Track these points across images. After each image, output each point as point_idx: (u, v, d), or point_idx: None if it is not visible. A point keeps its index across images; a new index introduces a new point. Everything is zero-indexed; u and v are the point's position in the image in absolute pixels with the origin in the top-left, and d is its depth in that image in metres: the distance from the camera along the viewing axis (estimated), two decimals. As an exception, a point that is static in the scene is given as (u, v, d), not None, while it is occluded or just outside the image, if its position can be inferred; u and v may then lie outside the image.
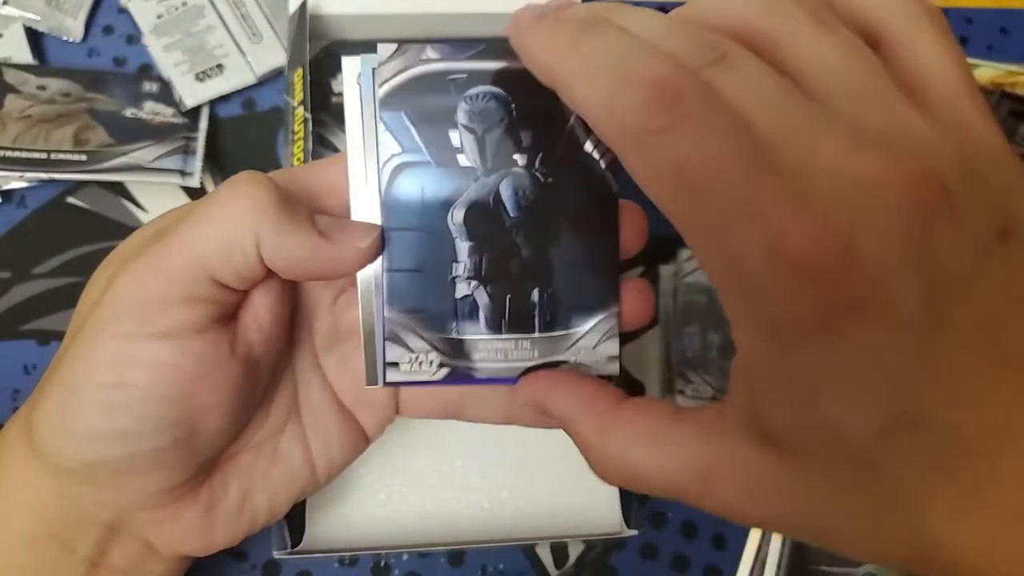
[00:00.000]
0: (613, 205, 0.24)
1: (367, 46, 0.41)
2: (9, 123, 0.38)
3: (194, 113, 0.41)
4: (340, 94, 0.40)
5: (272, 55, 0.42)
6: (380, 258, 0.24)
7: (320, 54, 0.39)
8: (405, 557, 0.36)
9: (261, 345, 0.25)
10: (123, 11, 0.42)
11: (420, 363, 0.24)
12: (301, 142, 0.36)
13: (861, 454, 0.17)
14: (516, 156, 0.24)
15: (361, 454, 0.30)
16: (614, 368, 0.25)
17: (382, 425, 0.30)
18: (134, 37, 0.42)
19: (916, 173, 0.16)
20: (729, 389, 0.20)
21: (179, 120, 0.41)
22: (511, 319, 0.24)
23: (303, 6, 0.38)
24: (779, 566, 0.36)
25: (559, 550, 0.37)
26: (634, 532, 0.34)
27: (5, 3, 0.41)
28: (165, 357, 0.23)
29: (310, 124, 0.36)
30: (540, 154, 0.24)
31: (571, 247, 0.24)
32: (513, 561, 0.36)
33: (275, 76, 0.42)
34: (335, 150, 0.39)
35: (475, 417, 0.29)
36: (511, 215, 0.24)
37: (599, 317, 0.25)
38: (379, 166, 0.24)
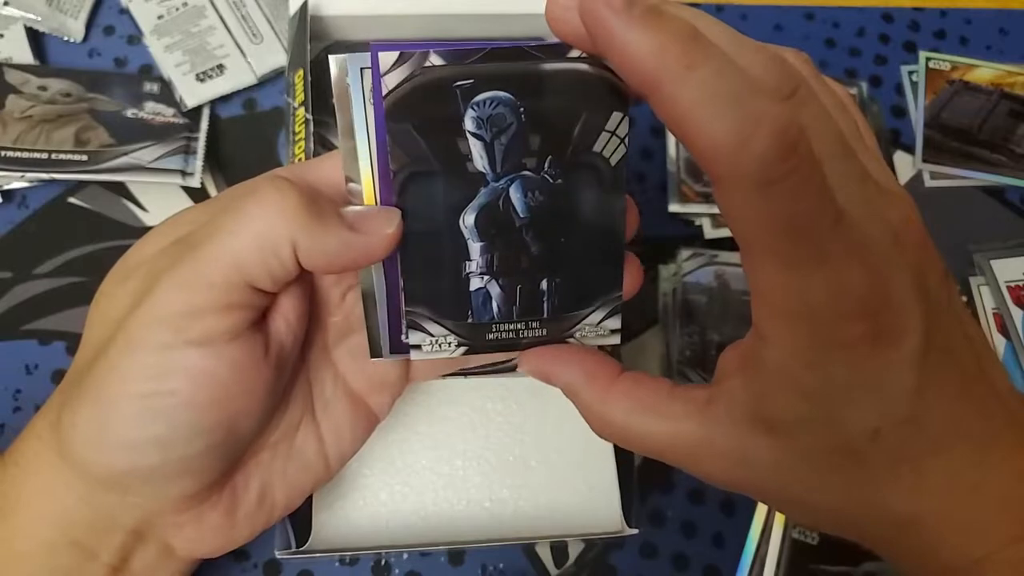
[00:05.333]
0: (620, 200, 0.25)
1: (367, 46, 0.41)
2: (10, 123, 0.38)
3: (195, 113, 0.41)
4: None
5: (272, 55, 0.42)
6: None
7: (321, 55, 0.40)
8: (405, 556, 0.36)
9: (290, 345, 0.26)
10: (124, 12, 0.43)
11: (439, 345, 0.26)
12: (302, 143, 0.36)
13: (851, 445, 0.21)
14: (525, 160, 0.24)
15: (368, 439, 0.31)
16: (616, 339, 0.27)
17: (392, 403, 0.31)
18: (135, 37, 0.43)
19: (921, 228, 0.21)
20: (724, 381, 0.23)
21: (180, 120, 0.41)
22: (521, 306, 0.26)
23: (304, 7, 0.38)
24: (778, 565, 0.36)
25: (559, 549, 0.37)
26: (635, 531, 0.34)
27: (6, 3, 0.41)
28: (202, 364, 0.23)
29: (311, 125, 0.36)
30: (549, 156, 0.24)
31: (579, 241, 0.25)
32: (513, 560, 0.36)
33: (275, 76, 0.42)
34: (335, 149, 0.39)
35: (481, 360, 0.31)
36: (521, 216, 0.24)
37: (603, 299, 0.26)
38: (373, 170, 0.24)
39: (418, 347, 0.26)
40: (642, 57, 0.18)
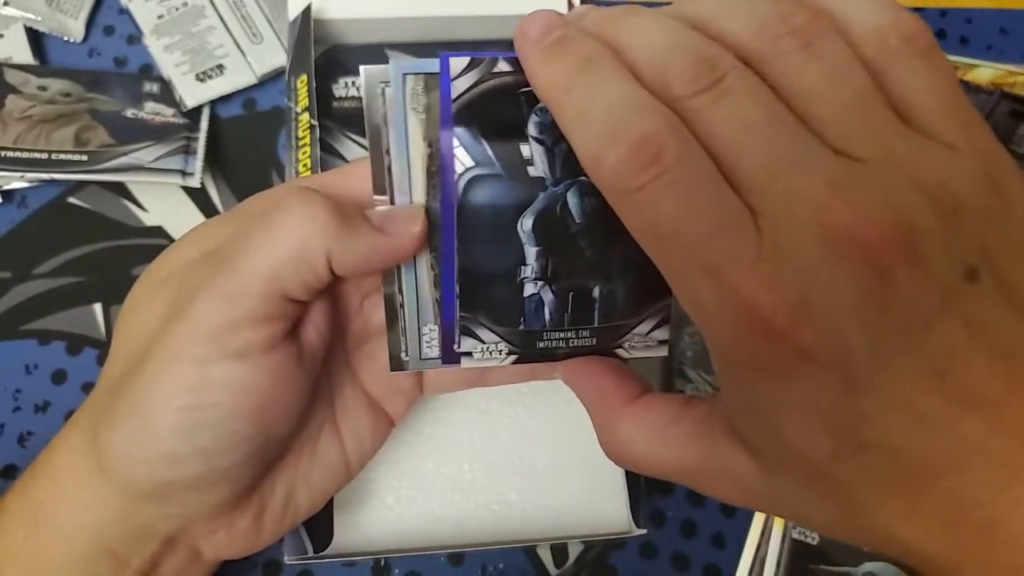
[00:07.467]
0: None
1: (369, 50, 0.41)
2: (10, 123, 0.38)
3: (195, 113, 0.41)
4: (342, 99, 0.40)
5: (272, 55, 0.42)
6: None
7: (321, 58, 0.39)
8: (405, 557, 0.36)
9: (320, 352, 0.27)
10: (124, 11, 0.42)
11: (491, 352, 0.26)
12: (307, 148, 0.36)
13: (819, 468, 0.19)
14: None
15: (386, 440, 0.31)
16: (663, 351, 0.27)
17: (407, 409, 0.31)
18: (135, 37, 0.42)
19: (885, 226, 0.17)
20: (717, 394, 0.22)
21: (180, 120, 0.41)
22: (573, 313, 0.26)
23: (307, 12, 0.37)
24: (778, 565, 0.36)
25: (559, 549, 0.37)
26: (643, 531, 0.34)
27: (6, 3, 0.41)
28: (243, 376, 0.24)
29: (317, 131, 0.36)
30: None
31: (630, 246, 0.25)
32: (513, 560, 0.36)
33: (275, 76, 0.42)
34: (339, 155, 0.39)
35: (497, 382, 0.31)
36: (576, 221, 0.25)
37: (652, 308, 0.26)
38: (411, 176, 0.25)
39: (469, 354, 0.26)
40: (538, 84, 0.21)
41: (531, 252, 0.25)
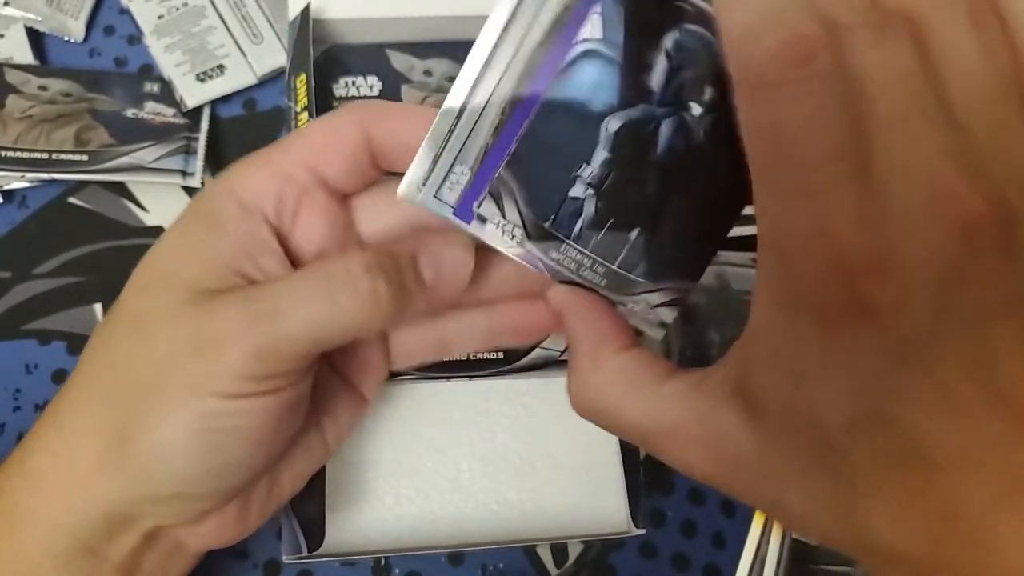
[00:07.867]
0: (744, 195, 0.24)
1: (368, 50, 0.41)
2: (10, 123, 0.38)
3: (195, 113, 0.41)
4: (342, 98, 0.39)
5: (273, 55, 0.42)
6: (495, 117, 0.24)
7: (320, 58, 0.39)
8: (405, 556, 0.36)
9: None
10: (124, 11, 0.43)
11: (504, 232, 0.25)
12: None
13: (828, 436, 0.18)
14: (694, 104, 0.23)
15: (360, 420, 0.32)
16: (659, 334, 0.26)
17: (378, 385, 0.32)
18: (135, 37, 0.43)
19: (988, 208, 0.17)
20: (726, 355, 0.21)
21: (180, 120, 0.41)
22: (602, 240, 0.24)
23: (306, 11, 0.37)
24: (778, 565, 0.36)
25: (559, 549, 0.37)
26: (642, 531, 0.34)
27: (6, 3, 0.41)
28: (258, 410, 0.24)
29: None
30: (714, 116, 0.23)
31: (691, 209, 0.24)
32: (513, 560, 0.36)
33: (276, 76, 0.42)
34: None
35: (461, 349, 0.31)
36: (658, 152, 0.24)
37: (674, 281, 0.25)
38: (551, 15, 0.23)
39: (484, 221, 0.24)
40: None
41: (599, 155, 0.23)
